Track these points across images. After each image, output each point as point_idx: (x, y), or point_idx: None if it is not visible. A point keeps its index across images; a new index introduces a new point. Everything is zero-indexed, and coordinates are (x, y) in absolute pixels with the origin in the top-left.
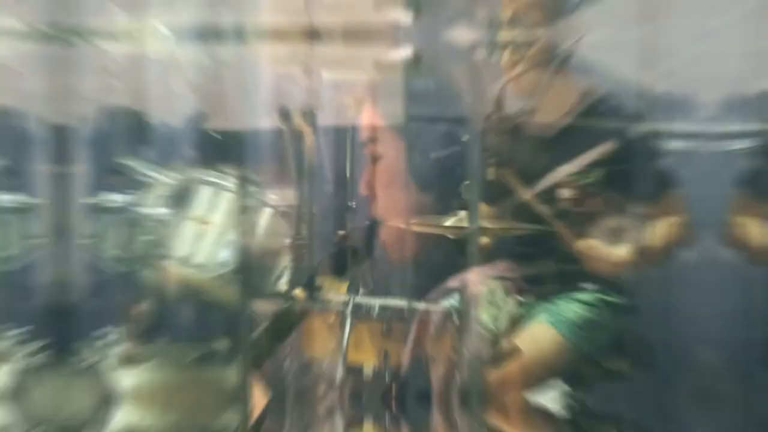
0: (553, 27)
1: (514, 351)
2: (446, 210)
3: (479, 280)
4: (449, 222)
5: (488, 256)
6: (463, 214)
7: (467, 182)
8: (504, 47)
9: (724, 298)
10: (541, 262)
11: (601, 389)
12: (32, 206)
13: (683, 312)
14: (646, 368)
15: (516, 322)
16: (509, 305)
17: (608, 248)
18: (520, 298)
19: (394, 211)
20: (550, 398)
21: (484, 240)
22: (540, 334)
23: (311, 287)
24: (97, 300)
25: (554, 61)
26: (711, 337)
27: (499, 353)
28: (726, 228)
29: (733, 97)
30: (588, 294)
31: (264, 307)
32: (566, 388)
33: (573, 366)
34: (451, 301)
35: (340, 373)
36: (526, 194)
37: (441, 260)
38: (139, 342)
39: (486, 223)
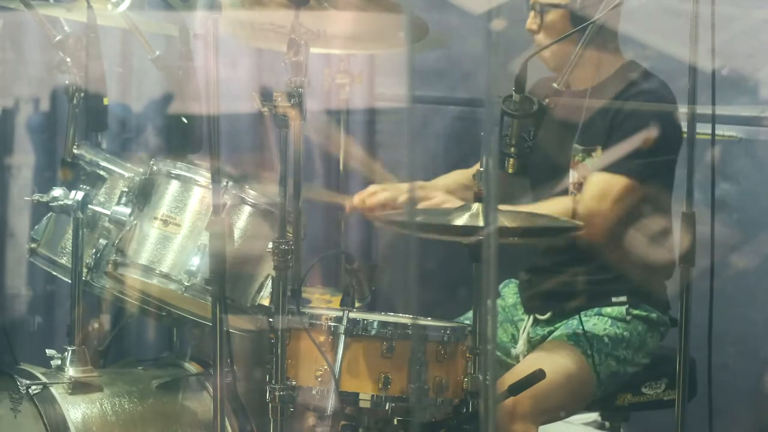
0: None
1: (536, 375)
2: None
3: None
4: (461, 219)
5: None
6: (476, 207)
7: (481, 170)
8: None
9: None
10: (568, 273)
11: (639, 419)
12: None
13: (738, 328)
14: (690, 394)
15: (534, 342)
16: (528, 323)
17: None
18: (540, 316)
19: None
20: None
21: None
22: (558, 353)
23: (298, 300)
24: (44, 315)
25: (586, 31)
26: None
27: (516, 377)
28: None
29: None
30: (617, 308)
31: (242, 324)
32: (596, 418)
33: (602, 391)
34: (465, 319)
35: (332, 401)
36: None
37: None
38: (94, 365)
39: (505, 222)
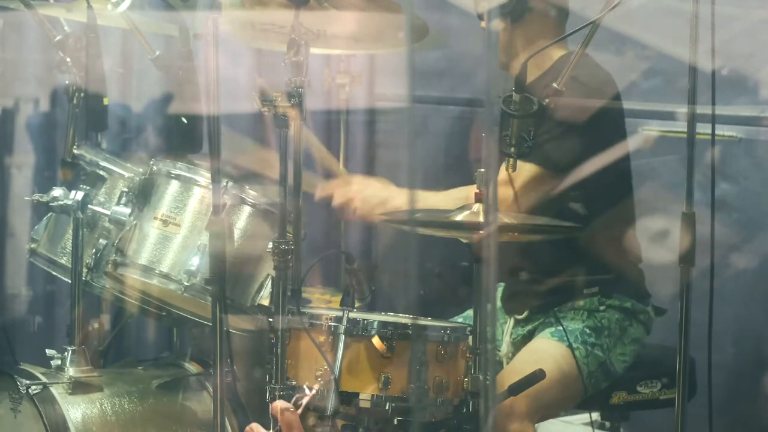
0: None
1: (536, 375)
2: None
3: None
4: (461, 216)
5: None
6: (477, 206)
7: (482, 170)
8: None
9: None
10: (538, 271)
11: (640, 419)
12: None
13: (738, 328)
14: (689, 394)
15: (517, 342)
16: (510, 325)
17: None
18: (519, 316)
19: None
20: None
21: None
22: (543, 351)
23: (298, 300)
24: (44, 315)
25: (584, 32)
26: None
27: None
28: None
29: None
30: (589, 300)
31: (242, 324)
32: (597, 417)
33: (593, 384)
34: (463, 318)
35: (332, 401)
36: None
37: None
38: (93, 365)
39: (506, 219)
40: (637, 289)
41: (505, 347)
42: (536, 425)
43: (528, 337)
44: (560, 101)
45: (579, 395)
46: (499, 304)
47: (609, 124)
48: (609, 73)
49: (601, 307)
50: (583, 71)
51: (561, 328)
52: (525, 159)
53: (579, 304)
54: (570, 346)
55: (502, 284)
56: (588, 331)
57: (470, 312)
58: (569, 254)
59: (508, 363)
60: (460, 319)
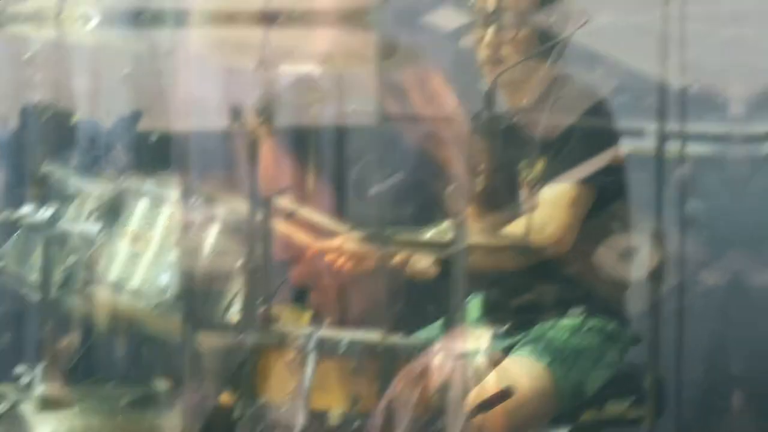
0: (550, 10)
1: (505, 392)
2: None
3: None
4: (429, 234)
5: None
6: (446, 224)
7: (452, 187)
8: (490, 32)
9: (756, 328)
10: (523, 286)
11: None
12: None
13: (707, 344)
14: (657, 411)
15: (494, 356)
16: (485, 338)
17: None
18: (498, 329)
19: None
20: None
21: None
22: (519, 368)
23: (267, 317)
24: (13, 333)
25: (553, 50)
26: (739, 374)
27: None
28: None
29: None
30: (572, 319)
31: (211, 341)
32: None
33: (567, 404)
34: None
35: (301, 419)
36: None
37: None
38: (63, 382)
39: (477, 238)
40: (618, 312)
41: (481, 359)
42: None
43: (506, 352)
44: (530, 118)
45: (551, 414)
46: (476, 316)
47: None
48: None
49: (584, 328)
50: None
51: (540, 346)
52: (551, 178)
53: (562, 323)
54: (548, 365)
55: (477, 297)
56: (567, 351)
57: (436, 325)
58: (555, 270)
59: (482, 377)
60: (426, 334)
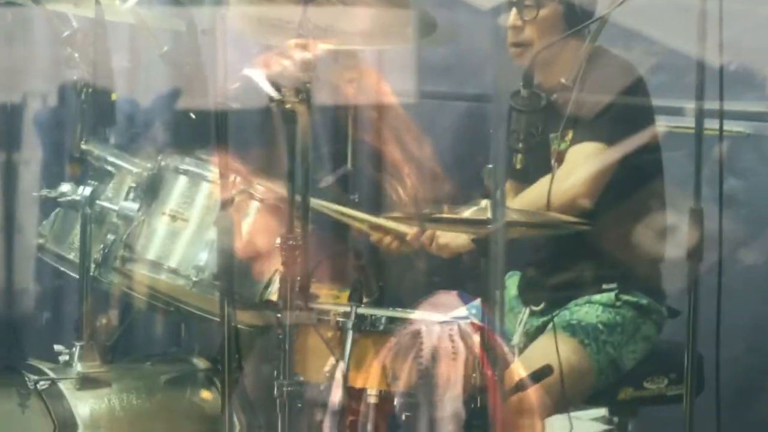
0: None
1: (545, 371)
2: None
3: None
4: (468, 213)
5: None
6: (484, 203)
7: (490, 167)
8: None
9: None
10: (559, 263)
11: (648, 414)
12: None
13: (746, 322)
14: (696, 389)
15: (531, 333)
16: (525, 315)
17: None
18: (535, 307)
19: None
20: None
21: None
22: (558, 345)
23: (306, 296)
24: (52, 311)
25: (591, 28)
26: None
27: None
28: None
29: None
30: (606, 295)
31: (250, 320)
32: (605, 413)
33: (603, 380)
34: (472, 312)
35: (339, 397)
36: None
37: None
38: (101, 360)
39: (514, 216)
40: (653, 288)
41: (517, 337)
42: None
43: (542, 329)
44: (568, 97)
45: (588, 391)
46: (514, 293)
47: (642, 99)
48: (628, 61)
49: (617, 303)
50: (608, 60)
51: (575, 322)
52: (577, 142)
53: (595, 299)
54: (582, 342)
55: (516, 274)
56: (601, 327)
57: (477, 303)
58: (590, 247)
59: (519, 354)
60: (466, 312)
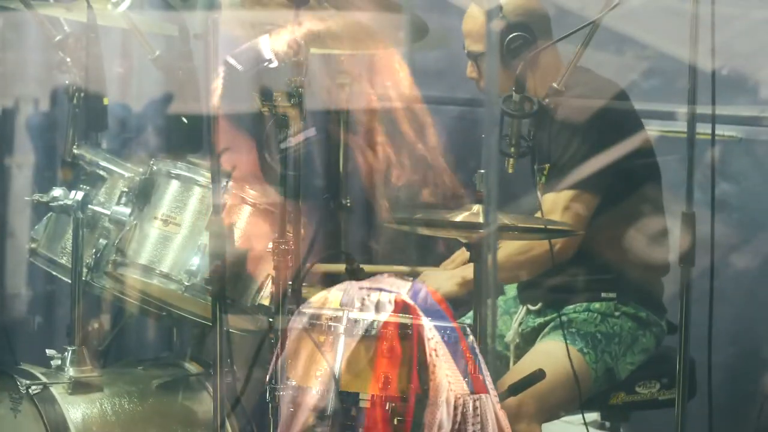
0: None
1: (536, 375)
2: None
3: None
4: (460, 217)
5: None
6: (477, 208)
7: (482, 171)
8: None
9: None
10: (566, 269)
11: (640, 419)
12: None
13: (737, 327)
14: (688, 394)
15: (525, 333)
16: (521, 313)
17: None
18: (532, 306)
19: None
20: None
21: None
22: (553, 351)
23: (298, 299)
24: (44, 315)
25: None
26: None
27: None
28: None
29: None
30: (605, 303)
31: (242, 324)
32: (596, 417)
33: (598, 387)
34: (465, 319)
35: (332, 401)
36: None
37: None
38: (94, 365)
39: (506, 221)
40: (654, 301)
41: (511, 334)
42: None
43: (537, 330)
44: (560, 101)
45: (585, 396)
46: (513, 293)
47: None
48: (612, 81)
49: (616, 313)
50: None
51: (573, 330)
52: (558, 189)
53: (594, 307)
54: (581, 350)
55: None
56: (599, 336)
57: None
58: (592, 254)
59: (512, 352)
60: (467, 321)
